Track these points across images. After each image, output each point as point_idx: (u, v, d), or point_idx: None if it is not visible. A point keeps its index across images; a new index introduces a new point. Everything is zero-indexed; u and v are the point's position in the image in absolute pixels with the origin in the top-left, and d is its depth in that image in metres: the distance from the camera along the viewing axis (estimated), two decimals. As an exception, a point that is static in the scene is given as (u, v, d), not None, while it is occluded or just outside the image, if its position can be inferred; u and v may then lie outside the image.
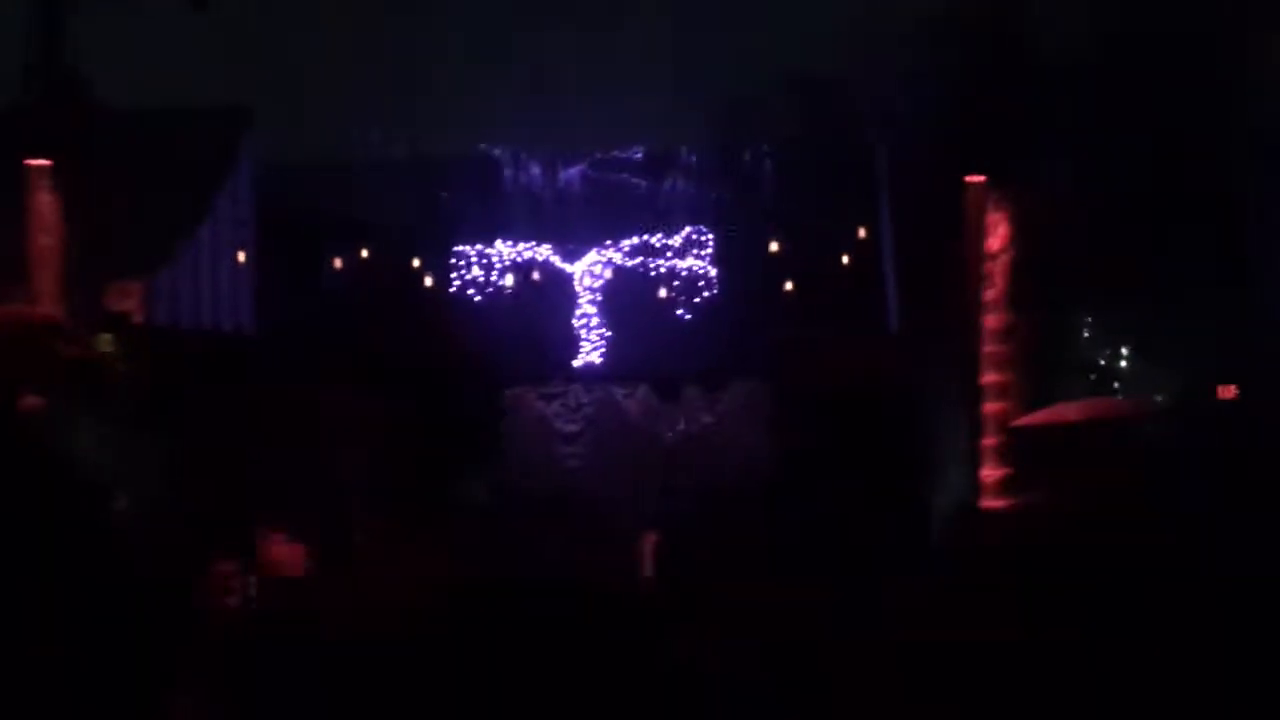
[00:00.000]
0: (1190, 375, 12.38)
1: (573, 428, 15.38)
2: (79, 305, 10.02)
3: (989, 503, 8.65)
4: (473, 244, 15.61)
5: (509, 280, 15.58)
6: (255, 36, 13.87)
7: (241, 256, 13.53)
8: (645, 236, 15.74)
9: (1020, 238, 9.62)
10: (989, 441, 9.15)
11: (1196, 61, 11.88)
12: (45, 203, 9.98)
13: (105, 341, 10.37)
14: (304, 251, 14.75)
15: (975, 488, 8.87)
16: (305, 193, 14.61)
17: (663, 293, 15.50)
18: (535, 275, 15.57)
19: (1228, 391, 12.28)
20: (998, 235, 9.61)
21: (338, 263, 15.04)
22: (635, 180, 16.23)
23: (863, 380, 10.89)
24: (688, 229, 15.73)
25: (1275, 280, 11.60)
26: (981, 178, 9.87)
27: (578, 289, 15.71)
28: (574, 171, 16.24)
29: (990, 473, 9.07)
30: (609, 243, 15.75)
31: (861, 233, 14.12)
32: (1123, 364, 13.08)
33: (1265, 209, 11.60)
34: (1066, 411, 9.00)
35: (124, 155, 10.92)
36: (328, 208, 14.85)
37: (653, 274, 15.61)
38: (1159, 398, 12.47)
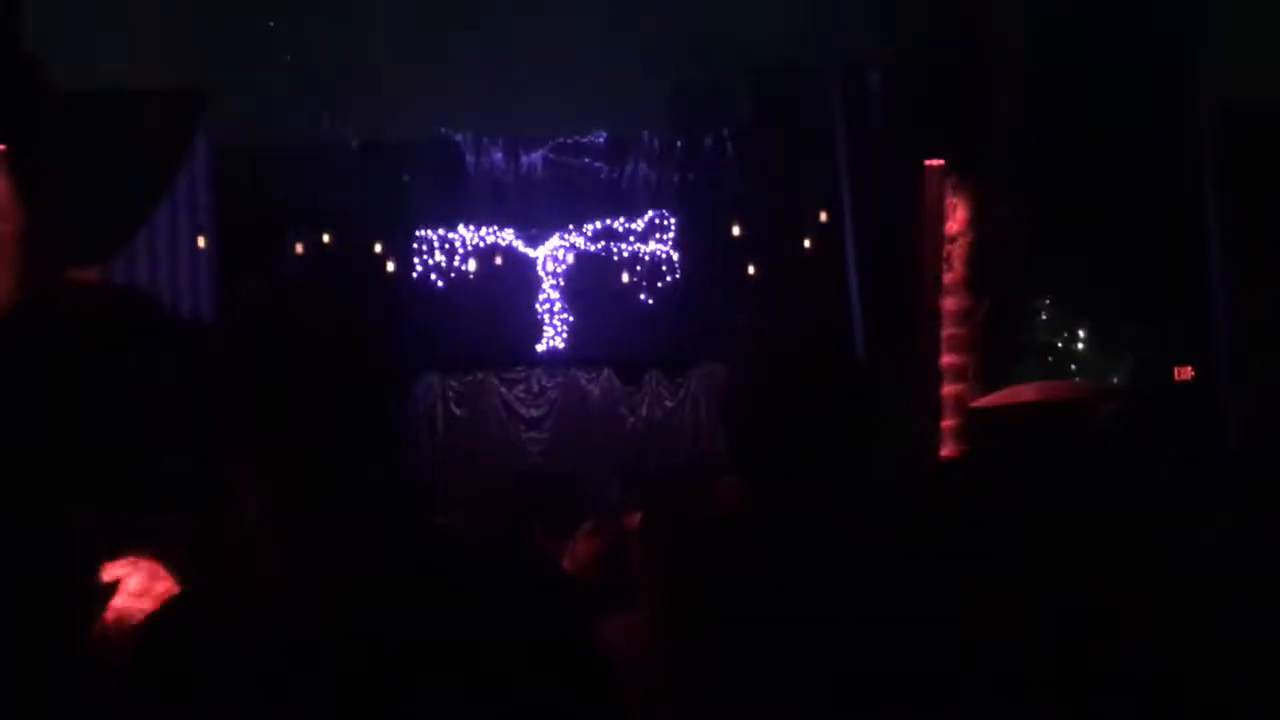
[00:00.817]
0: (1147, 357, 12.56)
1: (535, 412, 15.40)
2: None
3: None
4: (434, 229, 15.56)
5: (471, 265, 15.54)
6: (210, 19, 13.73)
7: (201, 242, 13.43)
8: (608, 221, 15.74)
9: (978, 221, 9.68)
10: (947, 423, 9.22)
11: (1158, 44, 12.00)
12: (1, 188, 9.86)
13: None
14: (264, 236, 14.65)
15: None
16: (264, 177, 14.50)
17: (625, 277, 15.51)
18: (498, 260, 15.54)
19: (1184, 373, 12.46)
20: (956, 219, 9.67)
21: (299, 248, 14.96)
22: (598, 164, 16.22)
23: (817, 362, 10.90)
24: (650, 213, 15.74)
25: (1232, 262, 11.74)
26: (940, 162, 9.92)
27: (540, 274, 15.70)
28: (536, 156, 16.20)
29: (949, 453, 9.14)
30: (571, 227, 15.74)
31: (823, 216, 14.17)
32: (1080, 346, 13.25)
33: (1223, 191, 11.74)
34: (1023, 392, 9.06)
35: (79, 139, 10.79)
36: (287, 192, 14.74)
37: (615, 258, 15.62)
38: (1115, 379, 12.65)
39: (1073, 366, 12.93)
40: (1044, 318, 12.96)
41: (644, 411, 15.30)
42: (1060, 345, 13.02)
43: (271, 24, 14.71)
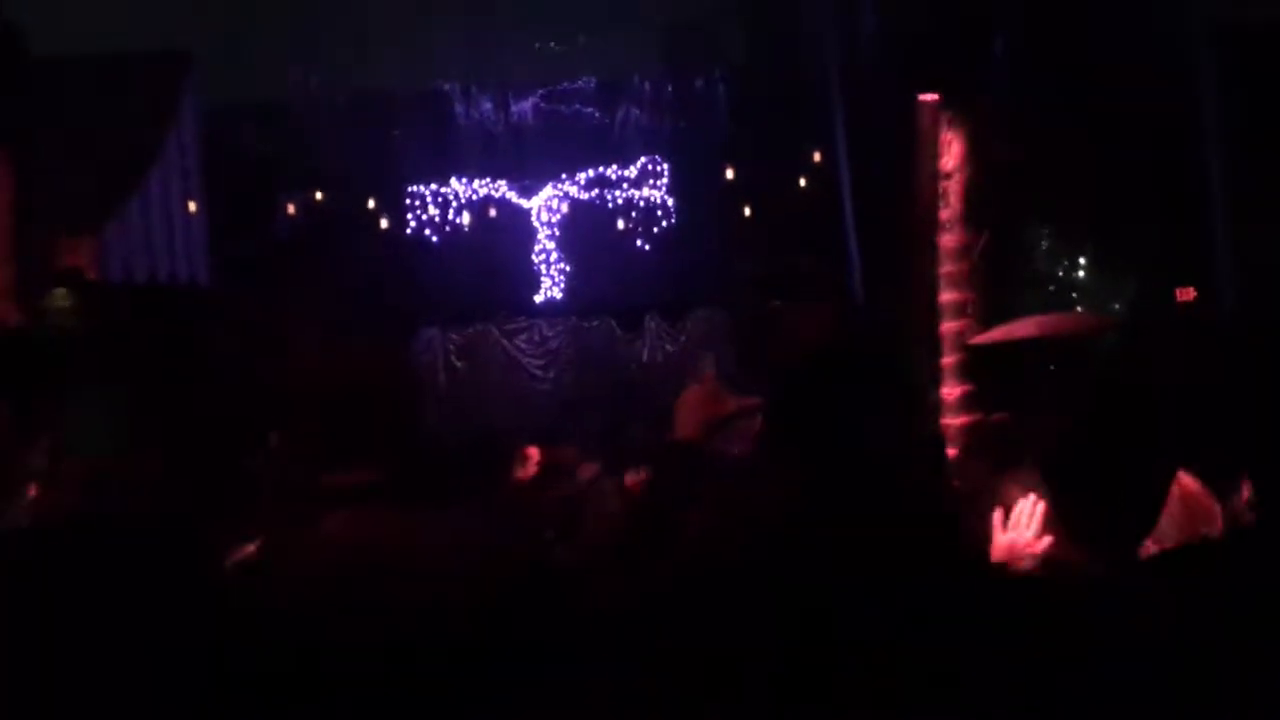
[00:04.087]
0: (1149, 280, 12.51)
1: (537, 362, 15.39)
2: (30, 263, 9.86)
3: (949, 420, 8.73)
4: (427, 183, 15.46)
5: (465, 218, 15.46)
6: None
7: (192, 206, 13.35)
8: (601, 168, 15.64)
9: (974, 156, 9.59)
10: (948, 360, 9.19)
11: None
12: (-14, 158, 9.76)
13: (60, 297, 10.24)
14: (255, 198, 14.55)
15: (936, 407, 8.94)
16: (254, 138, 14.37)
17: (621, 224, 15.44)
18: (492, 212, 15.46)
19: (1186, 294, 12.41)
20: (952, 154, 9.57)
21: (290, 208, 14.87)
22: (588, 110, 16.08)
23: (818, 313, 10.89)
24: (643, 159, 15.64)
25: (1228, 186, 11.69)
26: (935, 96, 9.81)
27: (535, 224, 15.62)
28: (526, 105, 16.06)
29: (950, 390, 9.13)
30: (564, 176, 15.63)
31: (816, 156, 14.08)
32: (1080, 274, 13.18)
33: (1221, 111, 11.66)
34: (1022, 328, 9.05)
35: (64, 107, 10.69)
36: (278, 152, 14.63)
37: (610, 206, 15.54)
38: (1117, 306, 12.60)
39: (1073, 295, 12.88)
40: (1044, 247, 12.90)
41: (645, 357, 15.29)
42: (1061, 274, 12.97)
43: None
